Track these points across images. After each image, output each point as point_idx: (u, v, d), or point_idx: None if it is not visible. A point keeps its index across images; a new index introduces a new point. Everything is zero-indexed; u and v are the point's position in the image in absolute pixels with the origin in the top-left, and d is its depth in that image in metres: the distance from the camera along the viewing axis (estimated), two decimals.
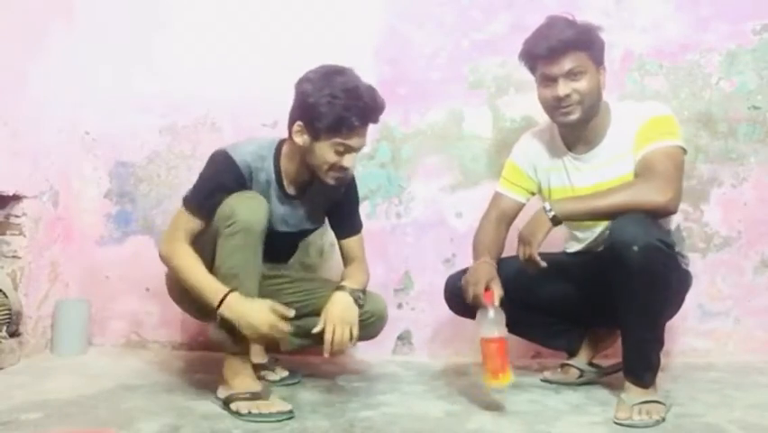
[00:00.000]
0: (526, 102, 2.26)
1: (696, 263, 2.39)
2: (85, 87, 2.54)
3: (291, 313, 1.69)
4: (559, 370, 2.06)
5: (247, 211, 1.68)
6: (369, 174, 2.45)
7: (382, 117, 2.30)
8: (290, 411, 1.65)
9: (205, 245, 1.73)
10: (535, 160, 1.97)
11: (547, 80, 1.78)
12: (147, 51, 2.54)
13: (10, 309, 2.15)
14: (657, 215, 1.67)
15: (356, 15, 2.51)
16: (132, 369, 2.18)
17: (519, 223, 1.88)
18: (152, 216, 2.54)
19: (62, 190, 2.47)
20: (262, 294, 1.74)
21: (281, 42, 2.45)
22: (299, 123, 1.74)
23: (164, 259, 1.76)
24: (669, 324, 2.21)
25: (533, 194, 2.01)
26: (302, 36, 2.46)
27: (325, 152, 1.73)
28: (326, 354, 1.76)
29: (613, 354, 2.03)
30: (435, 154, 2.48)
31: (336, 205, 1.97)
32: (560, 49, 1.73)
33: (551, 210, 1.70)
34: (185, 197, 1.79)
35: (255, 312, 1.66)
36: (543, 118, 2.28)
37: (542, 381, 2.05)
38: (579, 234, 1.95)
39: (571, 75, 1.74)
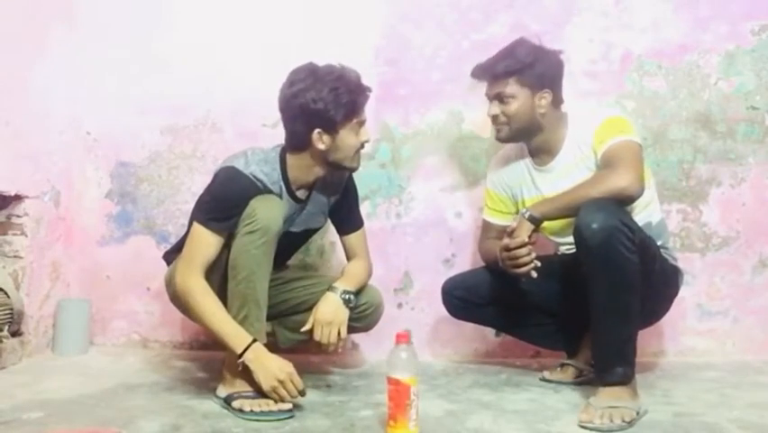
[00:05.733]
0: None
1: (695, 263, 2.40)
2: (86, 88, 2.54)
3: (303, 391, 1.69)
4: (558, 369, 2.07)
5: (267, 212, 1.72)
6: (369, 174, 2.45)
7: (382, 117, 2.38)
8: (291, 410, 1.66)
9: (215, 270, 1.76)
10: (508, 179, 2.07)
11: (487, 99, 1.98)
12: (148, 52, 2.55)
13: (12, 309, 2.16)
14: (623, 200, 1.72)
15: (356, 15, 2.52)
16: (132, 368, 2.19)
17: None
18: (153, 216, 2.54)
19: (64, 190, 2.48)
20: None
21: (282, 43, 2.45)
22: (317, 130, 1.76)
23: (180, 293, 1.73)
24: (669, 323, 2.23)
25: (517, 213, 2.04)
26: (302, 37, 2.46)
27: (348, 138, 1.79)
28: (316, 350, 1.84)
29: None
30: (435, 154, 2.49)
31: (337, 203, 1.99)
32: (488, 76, 1.95)
33: (527, 212, 1.79)
34: (201, 216, 1.76)
35: (275, 363, 1.68)
36: None
37: (541, 380, 2.06)
38: (562, 240, 1.98)
39: (500, 98, 1.93)
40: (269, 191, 1.79)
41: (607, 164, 1.78)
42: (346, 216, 2.03)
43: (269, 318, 1.90)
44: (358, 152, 1.84)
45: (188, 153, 2.53)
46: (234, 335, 1.69)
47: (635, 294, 1.66)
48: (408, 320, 2.46)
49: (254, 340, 1.69)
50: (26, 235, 2.29)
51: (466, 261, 2.43)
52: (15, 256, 2.27)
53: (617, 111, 2.04)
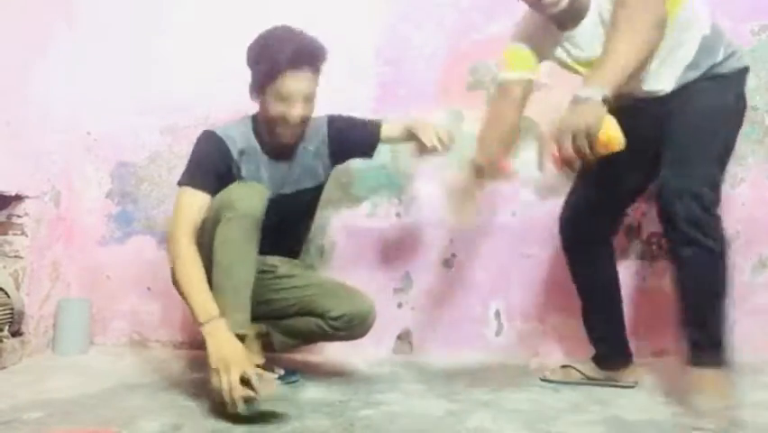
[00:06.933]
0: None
1: None
2: (86, 88, 2.55)
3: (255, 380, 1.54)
4: (559, 370, 2.07)
5: (247, 199, 1.72)
6: (369, 174, 2.46)
7: (382, 118, 2.31)
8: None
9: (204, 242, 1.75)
10: (537, 37, 1.89)
11: None
12: (148, 52, 2.56)
13: (12, 309, 2.16)
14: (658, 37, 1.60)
15: (356, 15, 2.52)
16: (133, 368, 2.20)
17: None
18: (153, 216, 2.55)
19: (64, 190, 2.48)
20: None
21: None
22: (251, 85, 1.84)
23: (169, 253, 1.76)
24: (668, 323, 2.22)
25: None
26: None
27: (269, 105, 1.82)
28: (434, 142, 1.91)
29: None
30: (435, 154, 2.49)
31: (335, 151, 2.02)
32: None
33: (599, 93, 1.51)
34: (182, 179, 1.83)
35: (231, 351, 1.57)
36: (542, 120, 2.30)
37: (541, 380, 2.06)
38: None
39: None
40: (243, 150, 1.86)
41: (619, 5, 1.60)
42: (360, 139, 2.03)
43: (262, 319, 1.89)
44: (282, 125, 1.83)
45: (188, 153, 2.53)
46: (201, 304, 1.63)
47: (722, 283, 1.70)
48: (408, 320, 2.47)
49: (220, 316, 1.63)
50: (26, 235, 2.29)
51: (466, 261, 2.44)
52: (15, 256, 2.28)
53: None
